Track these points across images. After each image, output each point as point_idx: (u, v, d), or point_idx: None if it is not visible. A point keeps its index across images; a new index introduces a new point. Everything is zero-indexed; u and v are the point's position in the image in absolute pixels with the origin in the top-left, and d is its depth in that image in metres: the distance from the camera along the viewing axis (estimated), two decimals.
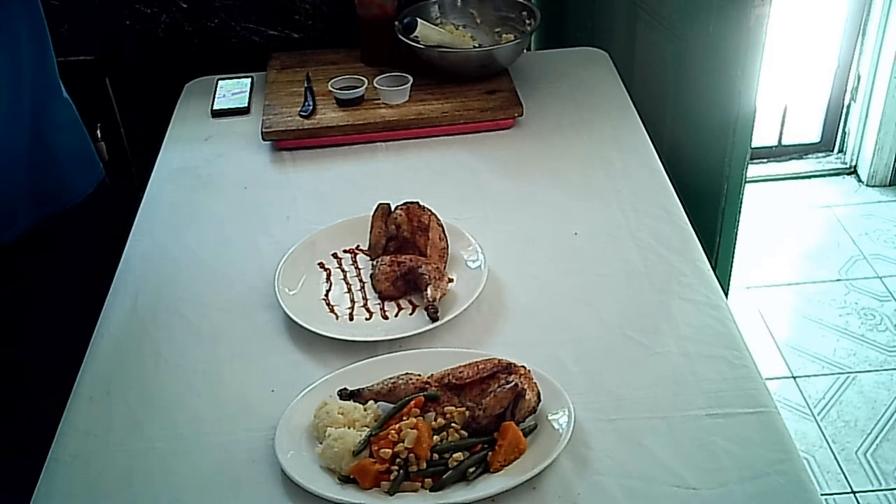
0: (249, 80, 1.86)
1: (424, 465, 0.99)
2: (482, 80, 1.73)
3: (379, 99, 1.69)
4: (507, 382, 1.03)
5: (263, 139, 1.64)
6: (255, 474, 1.03)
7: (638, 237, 1.36)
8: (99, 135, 1.84)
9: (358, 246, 1.38)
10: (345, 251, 1.37)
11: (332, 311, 1.26)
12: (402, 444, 0.99)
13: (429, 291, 1.23)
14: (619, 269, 1.31)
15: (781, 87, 3.09)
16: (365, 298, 1.29)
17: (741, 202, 1.75)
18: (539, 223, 1.42)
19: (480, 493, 0.96)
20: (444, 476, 0.98)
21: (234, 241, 1.42)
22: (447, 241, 1.33)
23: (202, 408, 1.13)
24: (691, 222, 1.39)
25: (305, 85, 1.76)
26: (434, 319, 1.20)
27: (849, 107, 3.15)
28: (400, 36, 1.74)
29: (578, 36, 2.14)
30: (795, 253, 2.89)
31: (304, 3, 1.94)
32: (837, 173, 3.22)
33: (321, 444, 1.02)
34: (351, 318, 1.25)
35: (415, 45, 1.72)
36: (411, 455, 0.99)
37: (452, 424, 1.03)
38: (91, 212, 1.50)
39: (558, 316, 1.23)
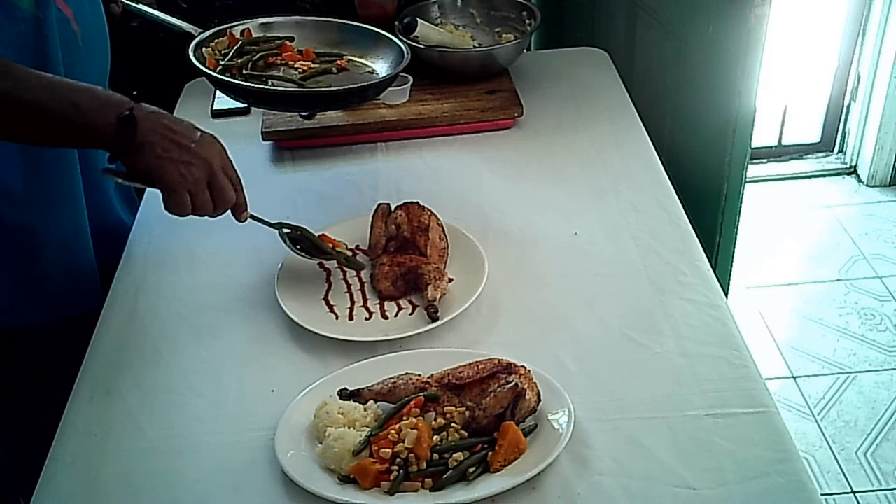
0: None
1: (424, 465, 0.99)
2: (482, 80, 1.73)
3: (379, 99, 1.69)
4: (507, 382, 1.03)
5: (263, 139, 1.64)
6: (255, 474, 1.03)
7: (638, 237, 1.36)
8: None
9: (358, 246, 1.38)
10: None
11: (332, 311, 1.26)
12: (402, 444, 0.99)
13: (429, 291, 1.22)
14: (619, 269, 1.31)
15: (781, 87, 3.09)
16: (365, 298, 1.29)
17: (741, 202, 1.75)
18: (539, 223, 1.42)
19: (480, 493, 0.96)
20: (444, 476, 0.98)
21: (234, 241, 1.42)
22: (447, 241, 1.33)
23: (202, 408, 1.13)
24: (691, 222, 1.39)
25: None
26: (434, 319, 1.20)
27: (849, 107, 3.15)
28: (400, 36, 1.74)
29: (578, 36, 2.14)
30: (795, 253, 2.89)
31: (304, 3, 1.94)
32: (837, 173, 3.22)
33: (321, 444, 1.02)
34: (351, 318, 1.25)
35: (415, 45, 1.72)
36: (411, 455, 0.99)
37: (452, 424, 1.03)
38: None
39: (558, 316, 1.23)
